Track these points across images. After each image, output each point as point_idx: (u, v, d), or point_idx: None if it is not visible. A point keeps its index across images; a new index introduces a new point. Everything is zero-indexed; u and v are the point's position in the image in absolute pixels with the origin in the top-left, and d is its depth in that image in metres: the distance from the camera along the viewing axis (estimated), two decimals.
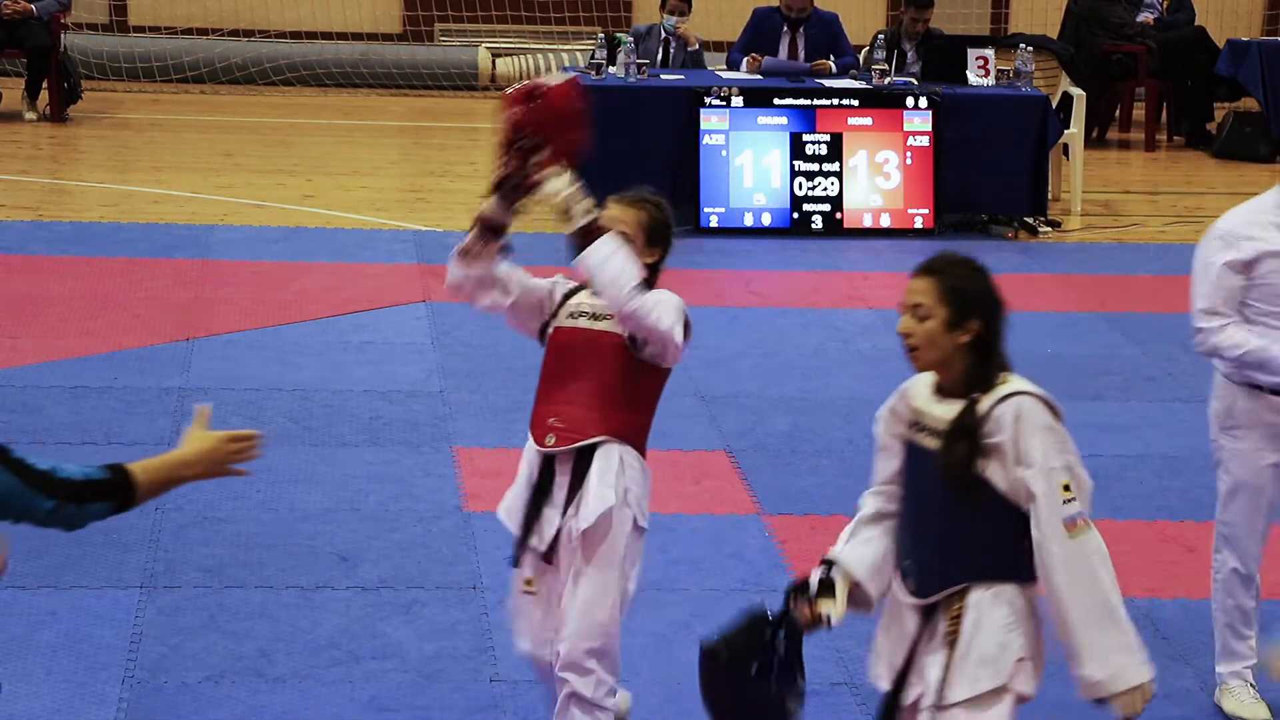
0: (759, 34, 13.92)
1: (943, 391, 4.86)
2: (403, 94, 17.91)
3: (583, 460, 5.66)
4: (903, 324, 4.86)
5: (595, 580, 5.65)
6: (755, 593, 7.55)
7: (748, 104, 12.93)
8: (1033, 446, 4.75)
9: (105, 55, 17.79)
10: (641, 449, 5.78)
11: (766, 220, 12.98)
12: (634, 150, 12.68)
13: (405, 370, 9.84)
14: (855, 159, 13.04)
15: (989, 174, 13.15)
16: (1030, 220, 13.44)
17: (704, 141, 12.85)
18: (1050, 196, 13.67)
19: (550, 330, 5.90)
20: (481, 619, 7.20)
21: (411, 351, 10.12)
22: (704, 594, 7.49)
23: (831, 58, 13.72)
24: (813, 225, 13.00)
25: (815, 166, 13.01)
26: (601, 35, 13.90)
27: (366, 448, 8.76)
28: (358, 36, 18.65)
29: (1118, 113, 17.41)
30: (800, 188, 13.00)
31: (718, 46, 14.63)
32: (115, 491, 4.20)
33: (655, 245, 5.87)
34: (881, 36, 13.84)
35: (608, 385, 5.64)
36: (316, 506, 8.08)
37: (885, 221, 13.06)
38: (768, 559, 7.82)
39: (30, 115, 15.86)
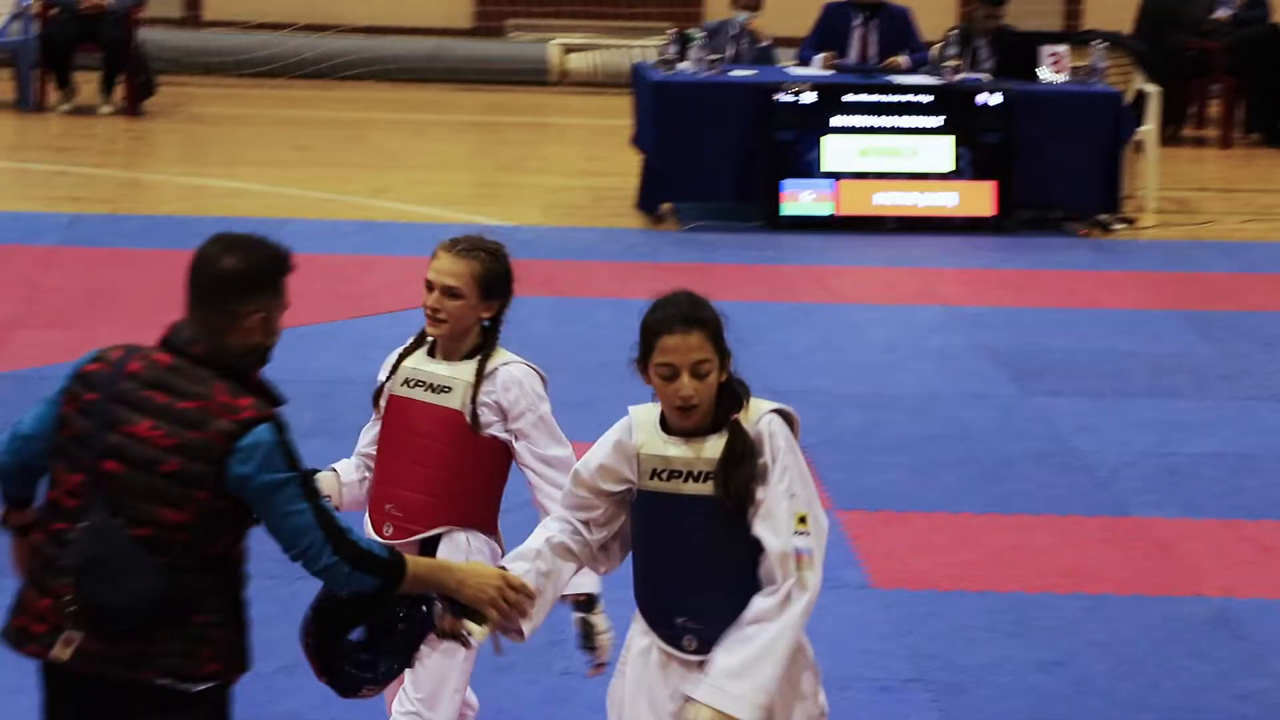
0: (829, 29, 13.88)
1: (686, 431, 4.59)
2: (474, 89, 17.95)
3: (426, 551, 5.16)
4: (688, 387, 4.56)
5: (439, 664, 5.24)
6: (826, 589, 7.53)
7: (819, 100, 12.89)
8: (783, 466, 4.56)
9: (180, 50, 17.89)
10: (491, 528, 5.31)
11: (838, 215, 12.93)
12: (705, 146, 12.66)
13: None
14: (927, 155, 12.98)
15: (1062, 171, 13.07)
16: (1103, 217, 13.36)
17: (775, 137, 12.82)
18: (1124, 193, 13.58)
19: (384, 397, 5.34)
20: (552, 612, 7.18)
21: None
22: None
23: (903, 53, 13.68)
24: (884, 222, 12.95)
25: (888, 162, 12.96)
26: (673, 30, 13.88)
27: None
28: (430, 32, 18.69)
29: (1192, 110, 17.28)
30: (872, 183, 12.95)
31: (788, 42, 14.60)
32: (389, 572, 4.35)
33: (492, 298, 5.33)
34: (954, 33, 13.79)
35: (448, 469, 5.04)
36: None
37: (957, 218, 12.99)
38: (839, 554, 7.78)
39: (106, 109, 15.96)
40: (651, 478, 4.63)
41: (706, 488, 4.56)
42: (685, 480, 4.58)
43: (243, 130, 15.70)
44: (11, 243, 11.62)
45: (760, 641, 4.49)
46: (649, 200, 13.01)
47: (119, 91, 15.96)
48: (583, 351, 10.09)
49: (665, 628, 4.63)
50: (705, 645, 4.56)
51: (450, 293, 5.27)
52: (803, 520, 4.55)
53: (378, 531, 5.22)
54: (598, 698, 6.58)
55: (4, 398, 9.01)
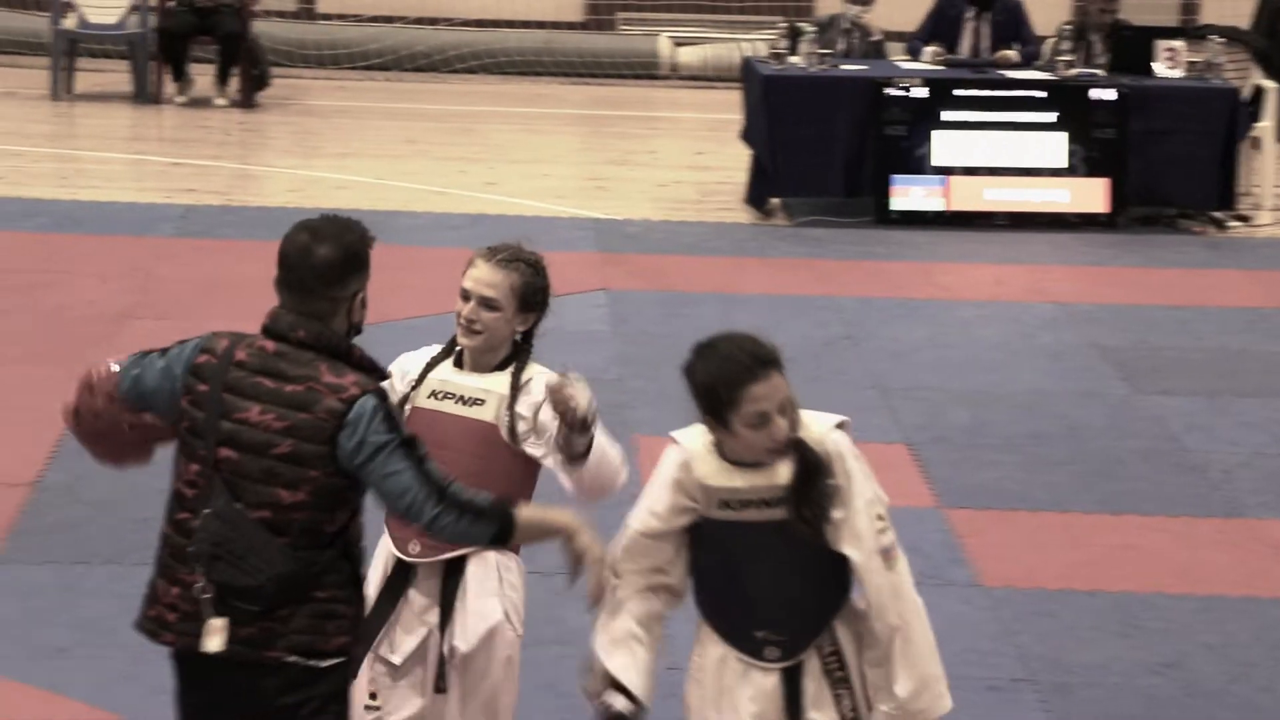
0: (941, 22, 13.81)
1: (744, 463, 4.52)
2: (584, 82, 17.97)
3: (453, 569, 5.00)
4: (783, 428, 4.51)
5: (486, 707, 5.12)
6: (933, 586, 7.50)
7: (930, 94, 12.82)
8: (858, 484, 4.58)
9: (293, 43, 18.01)
10: (517, 545, 5.05)
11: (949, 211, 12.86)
12: (815, 140, 12.63)
13: (584, 357, 9.84)
14: (1040, 150, 12.88)
15: (1176, 167, 12.94)
16: (1218, 214, 13.22)
17: (885, 132, 12.76)
18: (1239, 190, 13.42)
19: (407, 409, 5.11)
20: None
21: (590, 339, 10.14)
22: None
23: (1015, 46, 13.59)
24: (995, 218, 12.87)
25: (999, 158, 12.87)
26: (784, 24, 13.85)
27: None
28: (540, 25, 18.73)
29: None
30: (983, 179, 12.87)
31: (899, 36, 14.52)
32: (498, 519, 4.45)
33: (529, 311, 5.18)
34: (1068, 27, 13.68)
35: (478, 482, 4.71)
36: None
37: (1069, 214, 12.89)
38: (946, 553, 7.75)
39: (220, 101, 16.11)
40: (720, 508, 4.58)
41: (778, 513, 4.53)
42: (757, 508, 4.55)
43: (354, 123, 15.79)
44: (127, 234, 11.75)
45: (909, 649, 4.52)
46: (758, 195, 12.99)
47: (233, 84, 16.10)
48: (690, 345, 10.07)
49: (745, 642, 4.62)
50: (790, 651, 4.58)
51: (487, 304, 5.13)
52: (880, 518, 4.59)
53: (402, 550, 5.06)
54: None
55: None
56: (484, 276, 5.12)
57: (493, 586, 5.05)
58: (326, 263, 4.42)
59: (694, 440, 4.64)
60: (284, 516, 4.34)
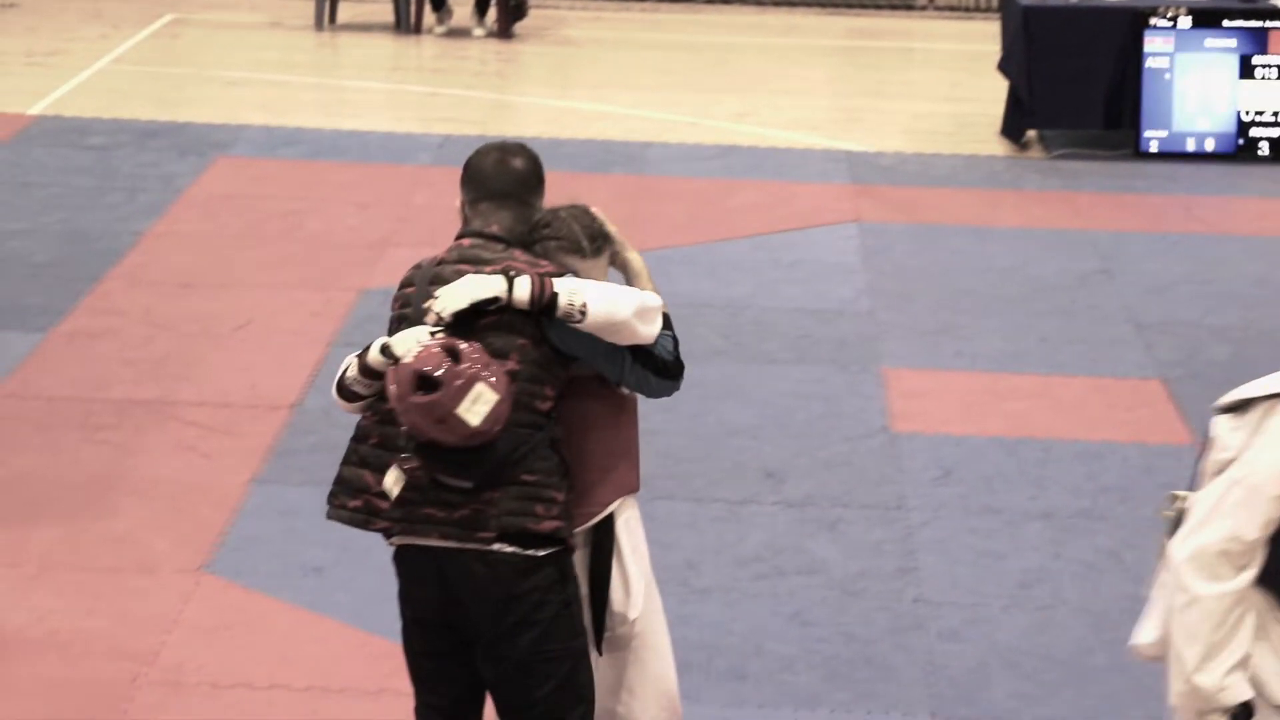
0: None
1: None
2: (840, 13, 17.85)
3: (600, 535, 4.78)
4: None
5: (657, 649, 4.94)
6: None
7: (1195, 25, 12.55)
8: None
9: None
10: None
11: (1210, 145, 12.60)
12: (1074, 72, 12.43)
13: (835, 289, 9.85)
14: None
15: None
16: None
17: (1147, 64, 12.52)
18: None
19: None
20: (906, 539, 7.19)
21: (841, 271, 10.12)
22: (1134, 523, 7.35)
23: None
24: (1259, 151, 12.57)
25: (1265, 91, 12.57)
26: None
27: (794, 365, 8.81)
28: None
29: None
30: (1248, 113, 12.58)
31: None
32: (681, 374, 4.76)
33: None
34: None
35: (609, 440, 4.70)
36: (744, 422, 8.16)
37: None
38: None
39: (479, 32, 16.27)
40: None
41: None
42: None
43: (608, 54, 15.86)
44: (387, 162, 11.95)
45: None
46: (1014, 127, 12.83)
47: (491, 15, 16.25)
48: (941, 278, 10.03)
49: None
50: None
51: None
52: None
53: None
54: (950, 626, 6.58)
55: (377, 313, 9.29)
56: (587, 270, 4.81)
57: (638, 544, 4.87)
58: (524, 171, 4.76)
59: None
60: None
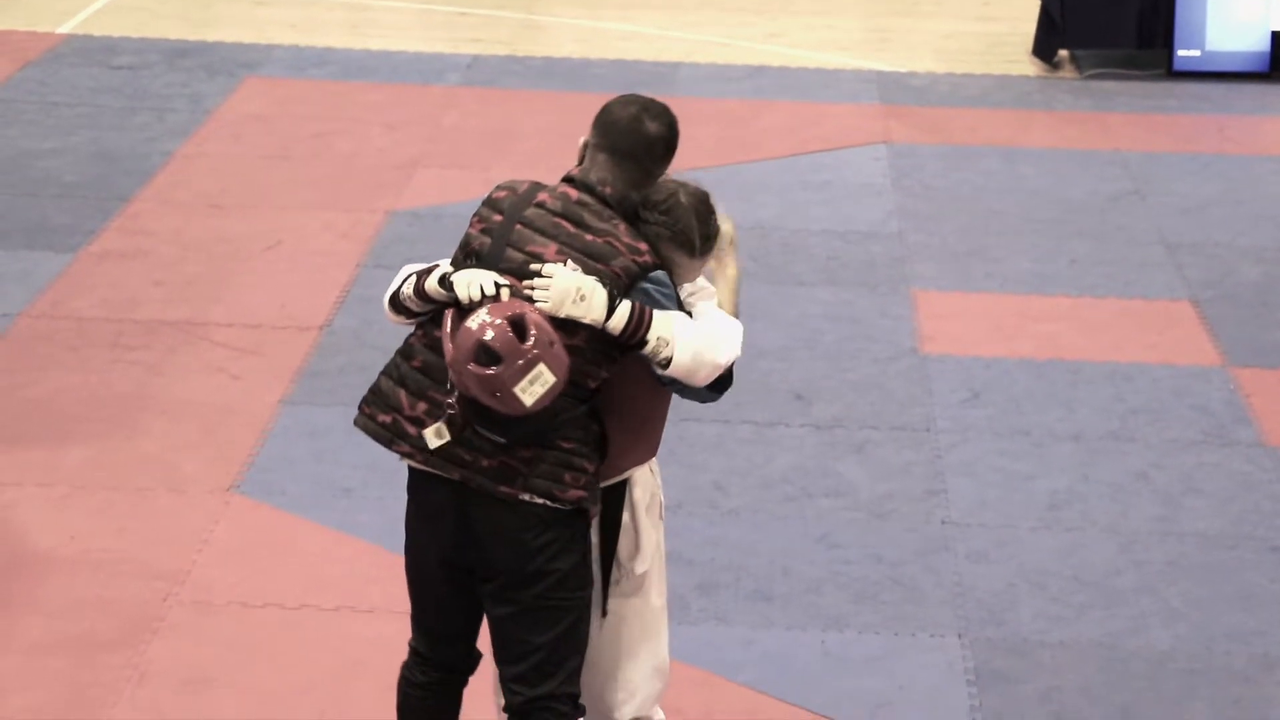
0: None
1: None
2: None
3: (612, 498, 4.71)
4: None
5: (657, 613, 4.88)
6: (1219, 445, 7.40)
7: None
8: None
9: None
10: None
11: (1243, 65, 12.51)
12: None
13: (864, 211, 9.83)
14: None
15: None
16: None
17: None
18: None
19: None
20: (934, 461, 7.20)
21: (870, 192, 10.09)
22: (1163, 445, 7.35)
23: None
24: None
25: None
26: None
27: (823, 287, 8.80)
28: None
29: None
30: None
31: None
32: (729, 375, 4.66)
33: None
34: None
35: (633, 410, 4.67)
36: (773, 344, 8.16)
37: None
38: (1231, 412, 7.62)
39: None
40: None
41: None
42: None
43: None
44: (415, 83, 11.92)
45: None
46: (1045, 47, 12.74)
47: None
48: (971, 200, 9.99)
49: None
50: None
51: None
52: None
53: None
54: (978, 548, 6.59)
55: (406, 234, 9.30)
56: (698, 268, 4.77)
57: (653, 505, 4.83)
58: (656, 136, 4.55)
59: None
60: None
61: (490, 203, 4.53)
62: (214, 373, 7.78)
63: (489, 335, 4.28)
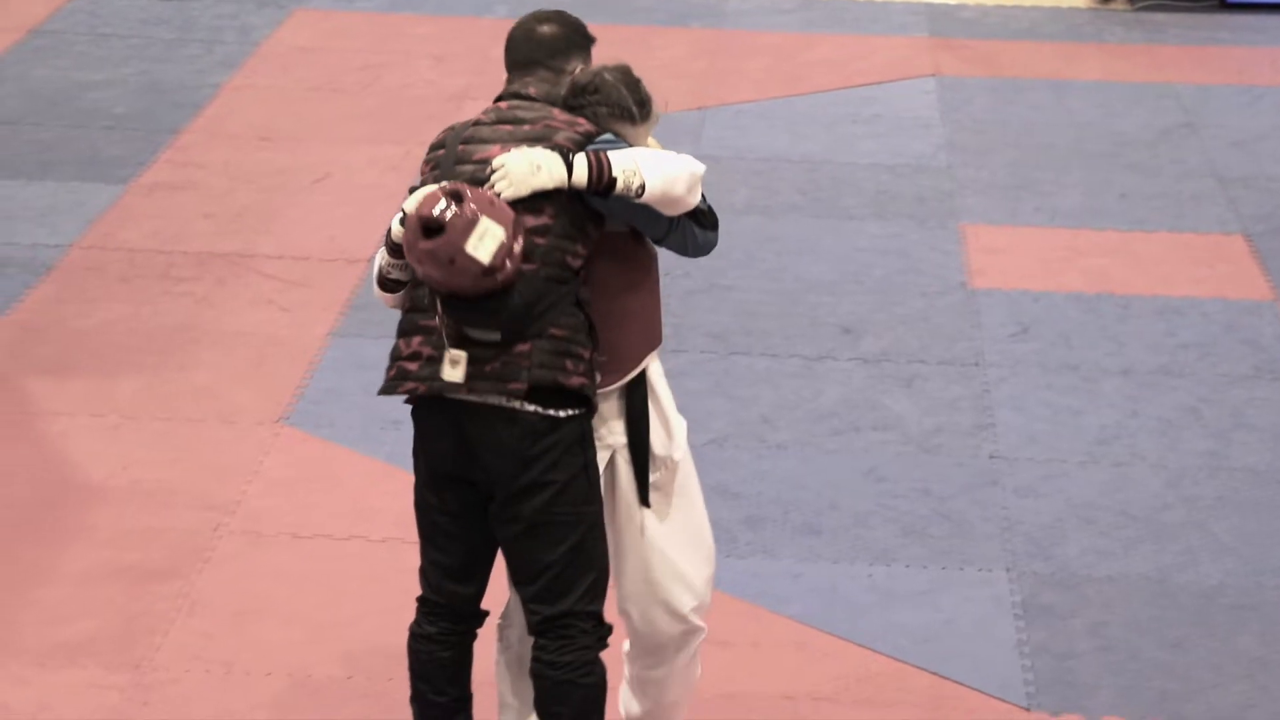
0: None
1: None
2: None
3: (634, 391, 4.75)
4: None
5: (695, 502, 4.91)
6: (1270, 380, 7.37)
7: None
8: None
9: None
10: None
11: None
12: None
13: (913, 144, 9.79)
14: None
15: None
16: None
17: None
18: None
19: None
20: (983, 395, 7.19)
21: (919, 125, 10.04)
22: (1214, 379, 7.32)
23: None
24: None
25: None
26: None
27: (872, 221, 8.78)
28: None
29: None
30: None
31: None
32: (718, 227, 4.76)
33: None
34: None
35: (636, 299, 4.70)
36: (821, 278, 8.14)
37: None
38: None
39: None
40: None
41: None
42: None
43: None
44: (464, 15, 11.90)
45: None
46: None
47: None
48: (1021, 133, 9.94)
49: None
50: None
51: None
52: None
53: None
54: (1026, 482, 6.59)
55: None
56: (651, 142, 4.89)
57: (667, 390, 4.84)
58: (549, 34, 4.74)
59: None
60: (529, 242, 4.46)
61: (432, 146, 4.71)
62: (263, 305, 7.81)
63: (427, 208, 4.40)
